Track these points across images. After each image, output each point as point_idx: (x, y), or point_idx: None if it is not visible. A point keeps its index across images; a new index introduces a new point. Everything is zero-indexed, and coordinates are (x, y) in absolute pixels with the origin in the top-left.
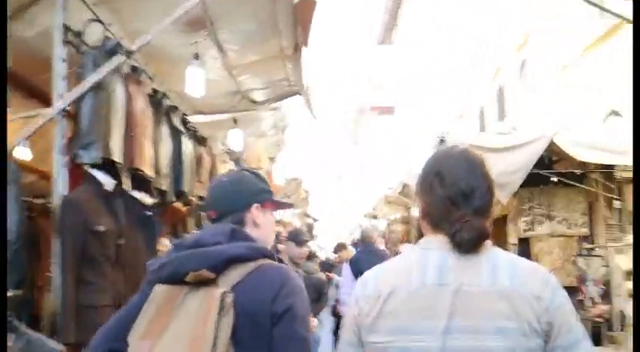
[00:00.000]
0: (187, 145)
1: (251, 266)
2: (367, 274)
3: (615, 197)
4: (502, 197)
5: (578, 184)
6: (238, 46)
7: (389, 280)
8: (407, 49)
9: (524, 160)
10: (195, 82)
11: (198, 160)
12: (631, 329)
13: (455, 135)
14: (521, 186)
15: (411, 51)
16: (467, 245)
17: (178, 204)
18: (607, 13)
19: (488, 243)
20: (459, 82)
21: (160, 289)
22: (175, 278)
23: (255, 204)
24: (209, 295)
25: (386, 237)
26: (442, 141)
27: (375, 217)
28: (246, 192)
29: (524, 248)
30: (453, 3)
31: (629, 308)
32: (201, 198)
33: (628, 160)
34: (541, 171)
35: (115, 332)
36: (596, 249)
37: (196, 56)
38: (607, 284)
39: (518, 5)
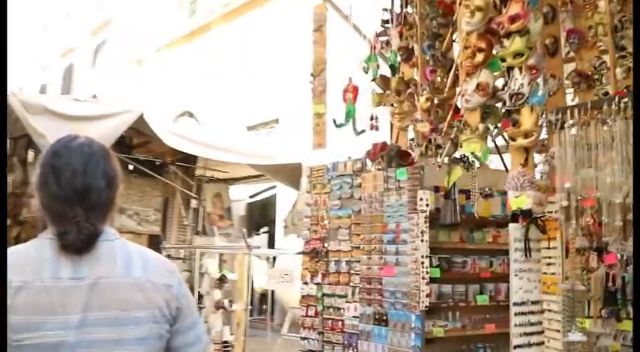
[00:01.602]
0: None
1: None
2: None
3: (193, 195)
4: None
5: (156, 175)
6: None
7: (17, 272)
8: None
9: (107, 134)
10: None
11: None
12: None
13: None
14: None
15: None
16: (72, 247)
17: None
18: (197, 14)
19: (114, 234)
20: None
21: None
22: None
23: None
24: None
25: None
26: None
27: None
28: None
29: None
30: None
31: (215, 321)
32: None
33: (219, 155)
34: (119, 155)
35: None
36: (180, 251)
37: None
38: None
39: None
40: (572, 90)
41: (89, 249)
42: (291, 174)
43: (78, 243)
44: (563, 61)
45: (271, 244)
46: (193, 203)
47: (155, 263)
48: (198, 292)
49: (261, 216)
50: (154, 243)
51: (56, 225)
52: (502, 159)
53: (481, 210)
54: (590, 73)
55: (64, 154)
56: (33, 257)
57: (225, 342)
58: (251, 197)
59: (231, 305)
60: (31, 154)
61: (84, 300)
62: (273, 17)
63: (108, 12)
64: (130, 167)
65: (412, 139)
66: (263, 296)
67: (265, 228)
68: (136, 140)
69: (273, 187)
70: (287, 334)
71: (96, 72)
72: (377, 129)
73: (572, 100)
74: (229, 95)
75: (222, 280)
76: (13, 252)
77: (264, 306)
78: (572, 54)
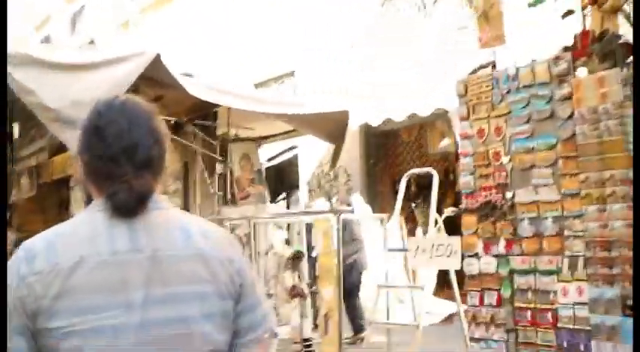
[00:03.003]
0: None
1: None
2: (33, 244)
3: (218, 158)
4: (70, 138)
5: (175, 137)
6: None
7: (70, 250)
8: None
9: (115, 83)
10: None
11: None
12: None
13: None
14: None
15: None
16: (124, 207)
17: None
18: None
19: (165, 201)
20: None
21: None
22: None
23: None
24: None
25: None
26: None
27: None
28: None
29: None
30: None
31: (290, 314)
32: None
33: (254, 106)
34: None
35: None
36: (225, 224)
37: None
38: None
39: None
40: None
41: (142, 210)
42: (333, 125)
43: (130, 203)
44: None
45: None
46: (218, 167)
47: (215, 234)
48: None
49: (278, 182)
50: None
51: (104, 187)
52: None
53: None
54: None
55: (107, 113)
56: (84, 231)
57: (307, 340)
58: (269, 160)
59: (311, 291)
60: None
61: (145, 275)
62: None
63: None
64: None
65: None
66: None
67: (282, 195)
68: (146, 94)
69: (293, 148)
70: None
71: (77, 40)
72: (599, 4)
73: None
74: (230, 51)
75: (296, 258)
76: (59, 230)
77: None
78: None
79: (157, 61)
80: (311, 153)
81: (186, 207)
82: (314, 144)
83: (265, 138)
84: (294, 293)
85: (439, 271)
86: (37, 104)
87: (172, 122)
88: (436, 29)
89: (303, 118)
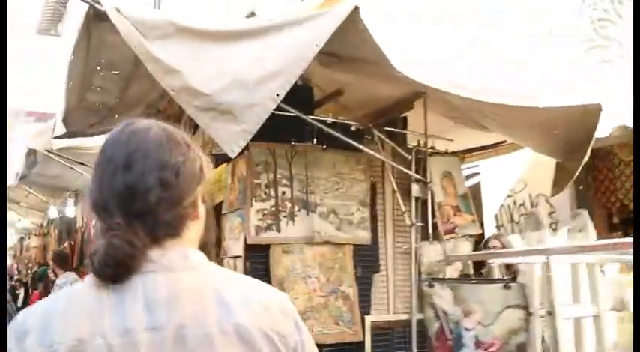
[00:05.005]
0: None
1: None
2: (26, 317)
3: (418, 177)
4: (227, 136)
5: (361, 146)
6: None
7: (68, 327)
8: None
9: (292, 51)
10: None
11: None
12: None
13: None
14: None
15: None
16: (101, 275)
17: None
18: None
19: (198, 258)
20: None
21: None
22: None
23: None
24: None
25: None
26: None
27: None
28: None
29: (256, 264)
30: None
31: None
32: None
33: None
34: (300, 115)
35: None
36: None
37: None
38: None
39: None
40: None
41: (126, 277)
42: (574, 129)
43: (105, 270)
44: None
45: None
46: (415, 189)
47: (263, 301)
48: None
49: None
50: (367, 257)
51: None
52: None
53: None
54: None
55: (109, 147)
56: (88, 301)
57: None
58: None
59: None
60: None
61: None
62: None
63: None
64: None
65: None
66: None
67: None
68: (321, 85)
69: (475, 174)
70: None
71: None
72: None
73: None
74: None
75: None
76: (60, 300)
77: None
78: None
79: (354, 16)
80: (497, 180)
81: (374, 242)
82: (500, 168)
83: (467, 151)
84: None
85: None
86: (182, 88)
87: (352, 128)
88: None
89: (538, 117)
